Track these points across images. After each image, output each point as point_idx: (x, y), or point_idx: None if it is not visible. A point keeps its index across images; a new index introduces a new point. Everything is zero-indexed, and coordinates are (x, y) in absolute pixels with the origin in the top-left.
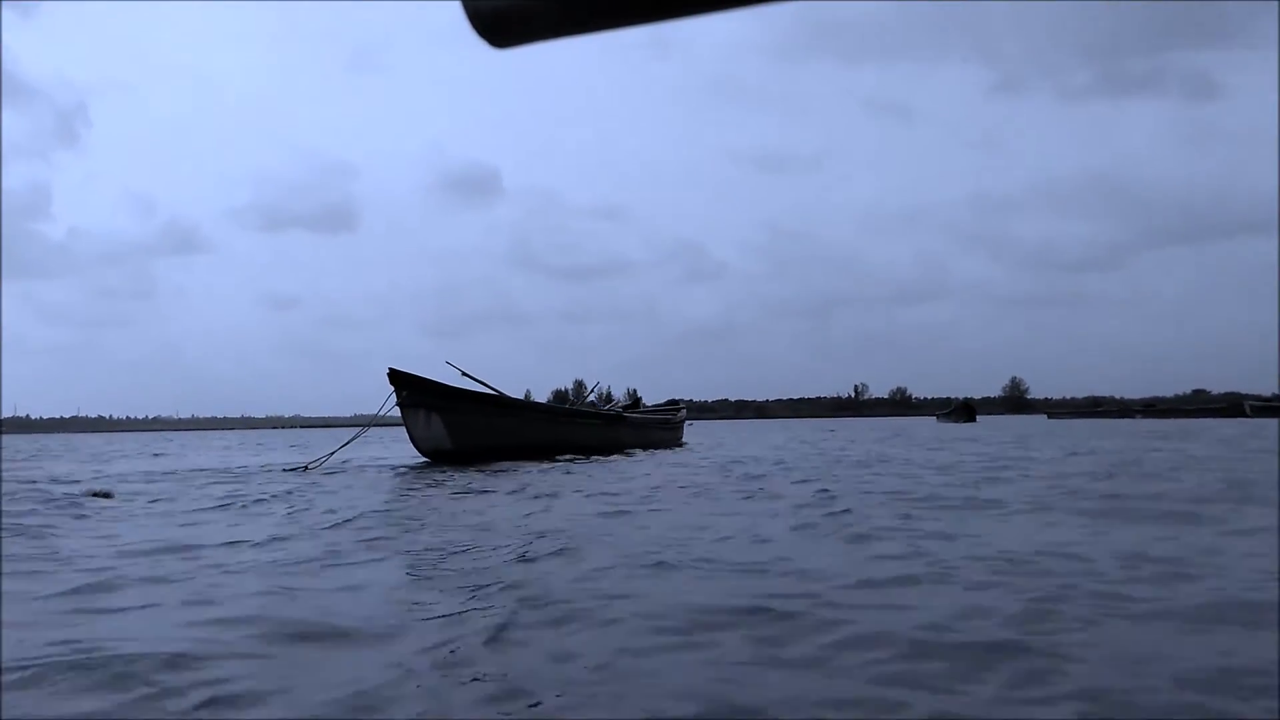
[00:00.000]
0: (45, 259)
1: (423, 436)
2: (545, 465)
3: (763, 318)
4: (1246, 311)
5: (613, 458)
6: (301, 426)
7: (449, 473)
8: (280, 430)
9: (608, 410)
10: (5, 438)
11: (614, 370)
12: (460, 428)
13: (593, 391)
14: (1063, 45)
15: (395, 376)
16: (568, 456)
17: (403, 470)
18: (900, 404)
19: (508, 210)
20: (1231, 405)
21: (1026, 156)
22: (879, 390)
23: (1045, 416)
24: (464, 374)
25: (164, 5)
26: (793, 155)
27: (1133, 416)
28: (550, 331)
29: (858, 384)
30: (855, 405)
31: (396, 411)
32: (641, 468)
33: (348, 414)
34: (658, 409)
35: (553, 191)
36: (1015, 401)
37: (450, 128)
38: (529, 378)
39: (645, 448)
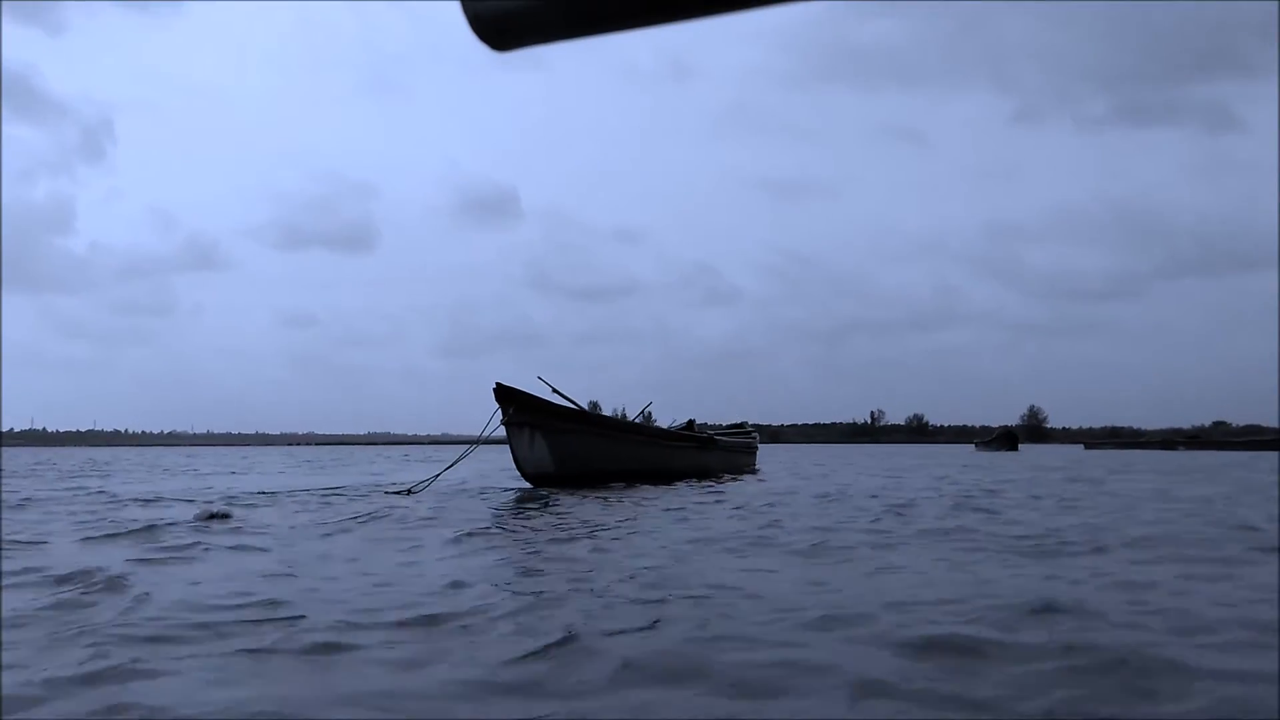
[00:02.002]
0: (66, 273)
1: (527, 458)
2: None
3: (776, 342)
4: (1265, 344)
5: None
6: (317, 444)
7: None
8: (297, 447)
9: (703, 434)
10: (54, 451)
11: (625, 391)
12: (564, 449)
13: (643, 412)
14: (1081, 75)
15: (502, 392)
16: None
17: (511, 490)
18: (917, 431)
19: (525, 231)
20: None
21: (1043, 185)
22: (895, 417)
23: (1083, 447)
24: (554, 390)
25: (190, 26)
26: (809, 181)
27: (1175, 448)
28: (562, 351)
29: (874, 410)
30: (872, 431)
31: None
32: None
33: (361, 431)
34: (730, 431)
35: (570, 212)
36: (1035, 430)
37: (470, 148)
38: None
39: (730, 473)
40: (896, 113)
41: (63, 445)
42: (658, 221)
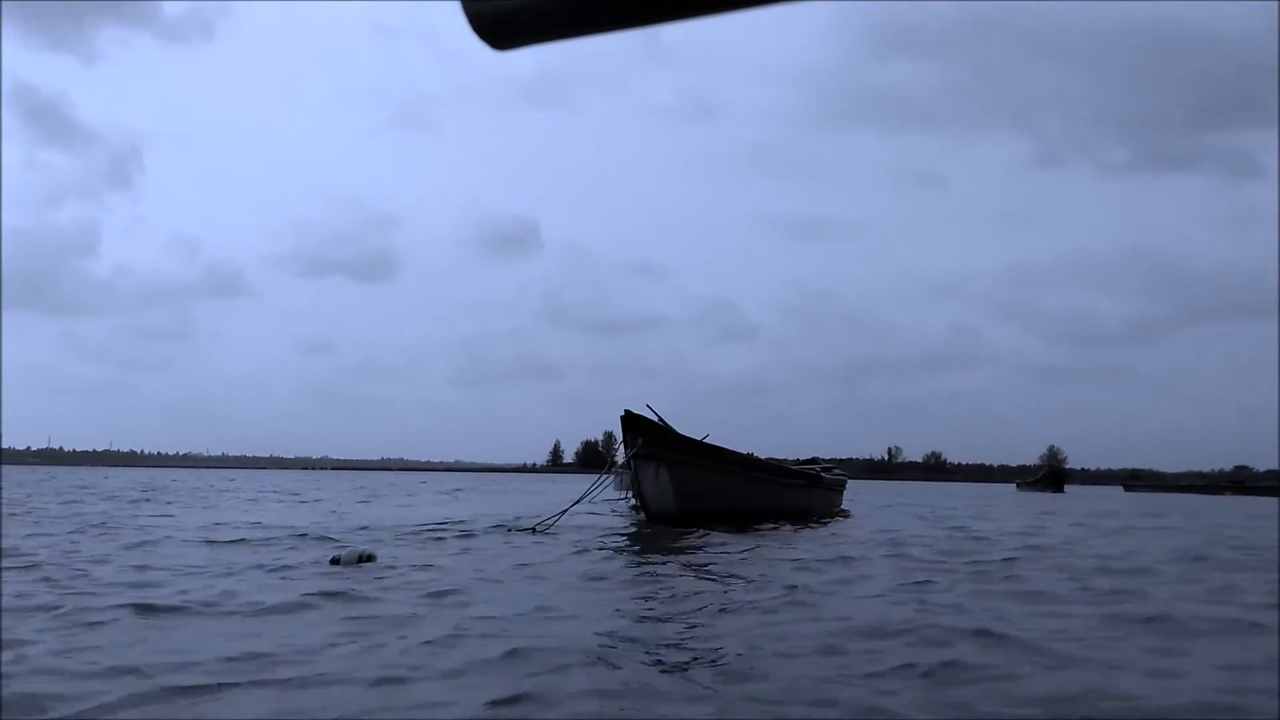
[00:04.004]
0: (89, 296)
1: (652, 495)
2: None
3: (793, 379)
4: None
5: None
6: (331, 469)
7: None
8: (311, 471)
9: (810, 471)
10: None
11: None
12: (686, 485)
13: None
14: (1103, 122)
15: (631, 421)
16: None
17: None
18: (934, 469)
19: (544, 263)
20: None
21: (1063, 229)
22: (911, 455)
23: (1122, 489)
24: (660, 420)
25: (221, 59)
26: (828, 221)
27: (1220, 493)
28: (578, 385)
29: (891, 447)
30: (888, 468)
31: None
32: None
33: (374, 457)
34: (821, 468)
35: (589, 247)
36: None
37: (492, 182)
38: (557, 429)
39: (828, 513)
40: (917, 155)
41: (78, 465)
42: (677, 257)
